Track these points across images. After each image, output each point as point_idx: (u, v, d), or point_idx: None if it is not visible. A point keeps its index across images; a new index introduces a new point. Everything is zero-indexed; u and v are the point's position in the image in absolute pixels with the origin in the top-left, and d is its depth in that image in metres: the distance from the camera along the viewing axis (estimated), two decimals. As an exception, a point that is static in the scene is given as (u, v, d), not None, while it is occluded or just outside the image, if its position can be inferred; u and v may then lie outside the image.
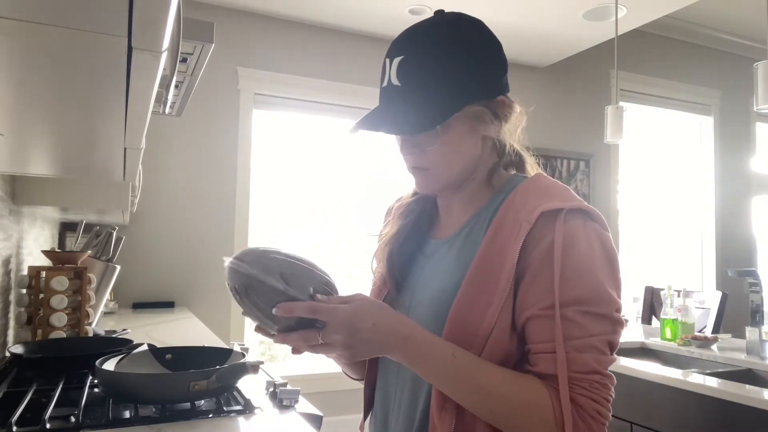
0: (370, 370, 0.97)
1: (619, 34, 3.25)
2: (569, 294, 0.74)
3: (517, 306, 0.77)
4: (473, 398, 0.74)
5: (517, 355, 0.78)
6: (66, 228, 2.95)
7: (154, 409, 1.04)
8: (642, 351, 2.42)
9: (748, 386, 1.66)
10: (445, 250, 0.88)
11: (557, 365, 0.72)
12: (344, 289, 0.80)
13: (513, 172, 0.91)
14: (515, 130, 0.88)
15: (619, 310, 0.76)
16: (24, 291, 1.58)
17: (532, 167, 0.92)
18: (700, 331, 2.66)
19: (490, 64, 0.83)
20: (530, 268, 0.76)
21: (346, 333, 0.72)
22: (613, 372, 0.76)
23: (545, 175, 0.87)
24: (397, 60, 0.81)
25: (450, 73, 0.80)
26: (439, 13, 0.84)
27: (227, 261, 0.75)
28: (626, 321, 2.98)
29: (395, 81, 0.81)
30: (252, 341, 3.59)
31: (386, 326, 0.74)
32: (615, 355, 0.76)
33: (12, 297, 1.68)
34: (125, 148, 0.85)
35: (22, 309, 1.57)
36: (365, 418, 0.98)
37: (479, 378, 0.74)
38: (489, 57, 0.83)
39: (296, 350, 0.76)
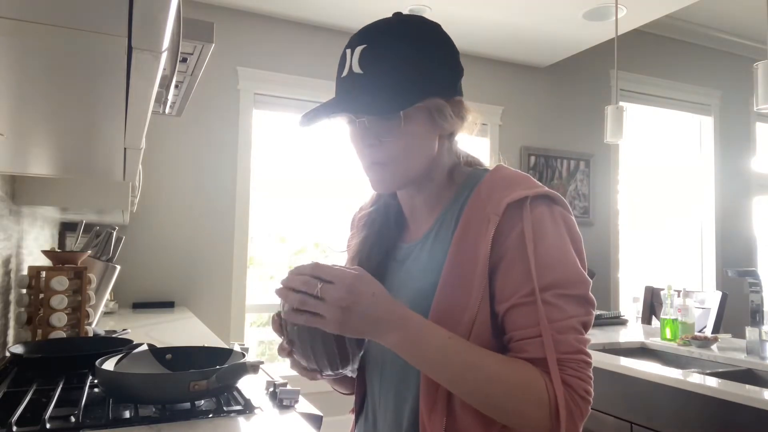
0: (358, 377, 0.95)
1: (619, 34, 3.25)
2: (546, 279, 0.75)
3: (496, 298, 0.77)
4: (469, 381, 0.73)
5: (498, 348, 0.78)
6: (66, 228, 2.95)
7: (154, 409, 1.04)
8: (642, 351, 2.42)
9: (748, 386, 1.66)
10: (417, 253, 0.89)
11: (545, 348, 0.73)
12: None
13: (471, 168, 0.91)
14: (471, 133, 0.89)
15: (590, 289, 0.78)
16: (24, 291, 1.58)
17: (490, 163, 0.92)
18: (700, 331, 2.66)
19: (449, 65, 0.84)
20: (504, 259, 0.77)
21: (345, 292, 0.70)
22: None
23: (505, 165, 0.87)
24: (359, 48, 0.80)
25: (414, 64, 0.80)
26: (398, 14, 0.84)
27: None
28: (626, 320, 2.99)
29: (357, 69, 0.79)
30: (252, 341, 3.59)
31: (385, 301, 0.73)
32: (589, 336, 0.78)
33: (12, 297, 1.68)
34: (125, 148, 0.85)
35: (22, 309, 1.57)
36: (356, 422, 0.97)
37: (476, 359, 0.73)
38: (449, 58, 0.84)
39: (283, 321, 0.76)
